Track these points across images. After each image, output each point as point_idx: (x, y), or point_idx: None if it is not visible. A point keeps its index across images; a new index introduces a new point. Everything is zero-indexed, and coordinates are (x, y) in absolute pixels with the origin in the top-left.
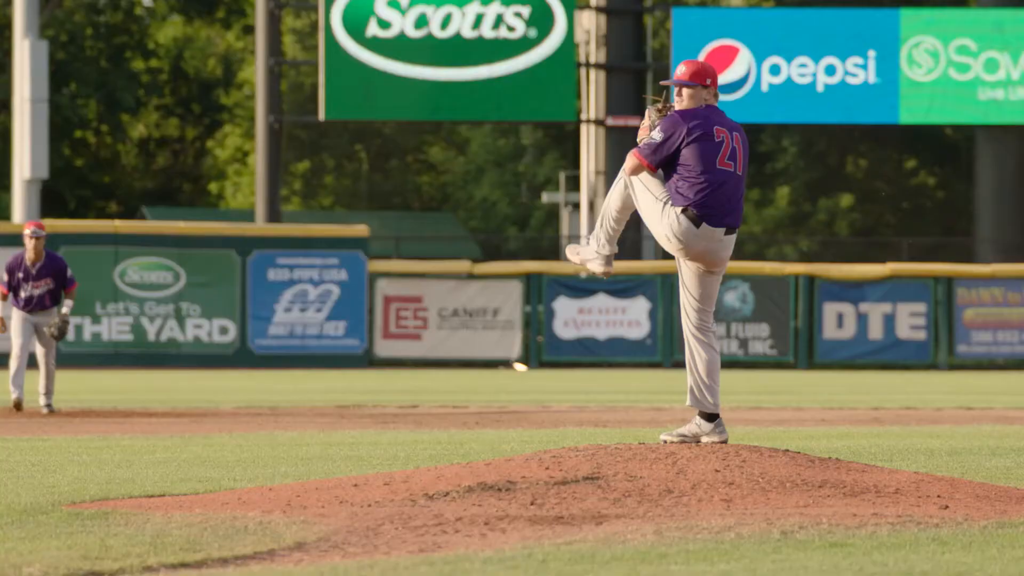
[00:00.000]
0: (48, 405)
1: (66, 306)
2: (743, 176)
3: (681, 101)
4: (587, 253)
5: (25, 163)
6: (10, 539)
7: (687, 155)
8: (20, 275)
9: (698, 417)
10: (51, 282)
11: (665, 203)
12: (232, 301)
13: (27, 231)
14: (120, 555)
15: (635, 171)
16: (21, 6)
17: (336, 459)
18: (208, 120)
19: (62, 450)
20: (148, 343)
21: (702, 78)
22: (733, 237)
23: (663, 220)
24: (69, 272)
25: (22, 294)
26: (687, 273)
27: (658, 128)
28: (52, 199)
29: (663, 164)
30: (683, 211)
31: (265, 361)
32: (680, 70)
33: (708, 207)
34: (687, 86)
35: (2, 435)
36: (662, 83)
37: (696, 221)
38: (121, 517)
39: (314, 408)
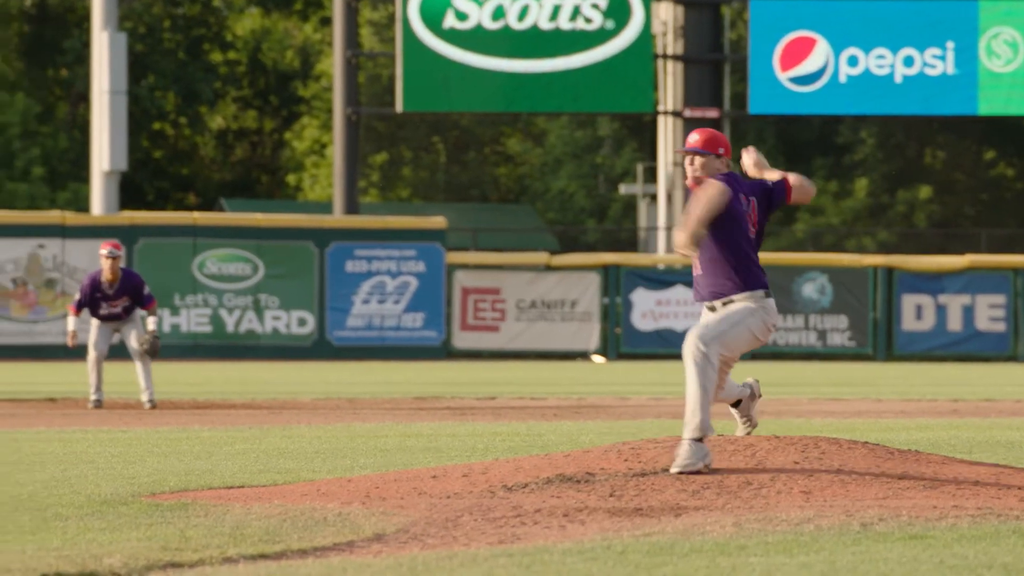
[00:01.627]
0: (150, 400)
1: (152, 323)
2: (756, 237)
3: (694, 169)
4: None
5: (104, 155)
6: (91, 530)
7: (726, 219)
8: (97, 295)
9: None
10: (128, 300)
11: (750, 314)
12: (310, 293)
13: (103, 251)
14: (200, 546)
15: (697, 236)
16: None
17: (414, 450)
18: (286, 112)
19: (142, 442)
20: (227, 335)
21: (714, 147)
22: None
23: (761, 321)
24: (146, 290)
25: (101, 312)
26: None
27: (703, 190)
28: (131, 191)
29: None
30: (766, 295)
31: (343, 353)
32: (692, 138)
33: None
34: (700, 154)
35: (83, 427)
36: (677, 151)
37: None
38: (200, 508)
39: (392, 400)
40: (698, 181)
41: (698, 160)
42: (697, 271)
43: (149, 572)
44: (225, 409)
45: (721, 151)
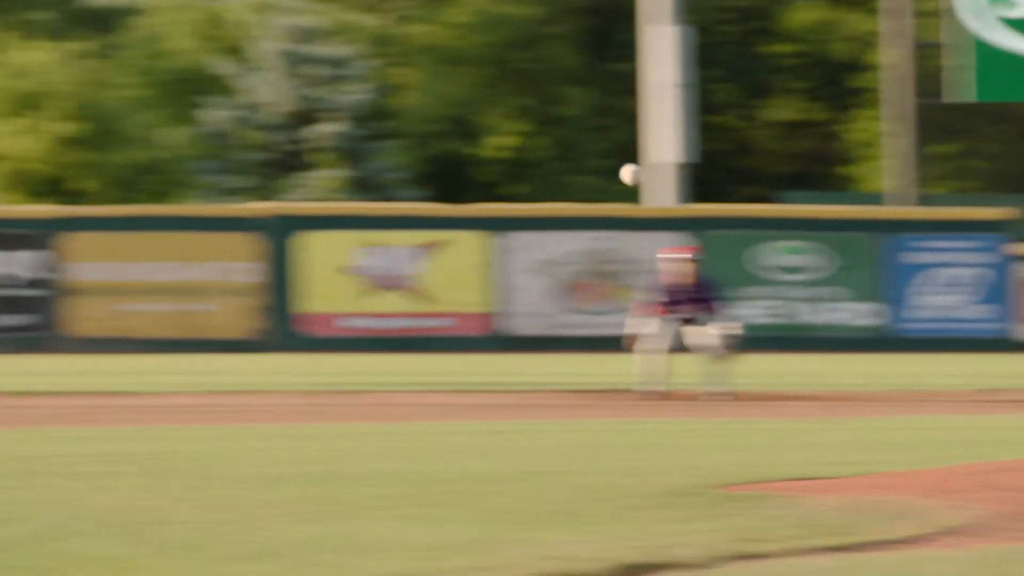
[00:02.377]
0: (721, 393)
1: (730, 328)
2: None
3: None
4: None
5: (670, 147)
6: (662, 520)
7: None
8: (669, 298)
9: None
10: (699, 307)
11: None
12: (873, 284)
13: (684, 255)
14: (773, 538)
15: None
16: None
17: (980, 444)
18: (842, 103)
19: (707, 433)
20: (790, 326)
21: None
22: None
23: None
24: (719, 293)
25: (670, 315)
26: None
27: None
28: (692, 183)
29: None
30: None
31: (908, 344)
32: None
33: None
34: None
35: (646, 417)
36: None
37: None
38: (770, 500)
39: (956, 392)
40: None
41: None
42: None
43: (724, 563)
44: (791, 401)
45: None
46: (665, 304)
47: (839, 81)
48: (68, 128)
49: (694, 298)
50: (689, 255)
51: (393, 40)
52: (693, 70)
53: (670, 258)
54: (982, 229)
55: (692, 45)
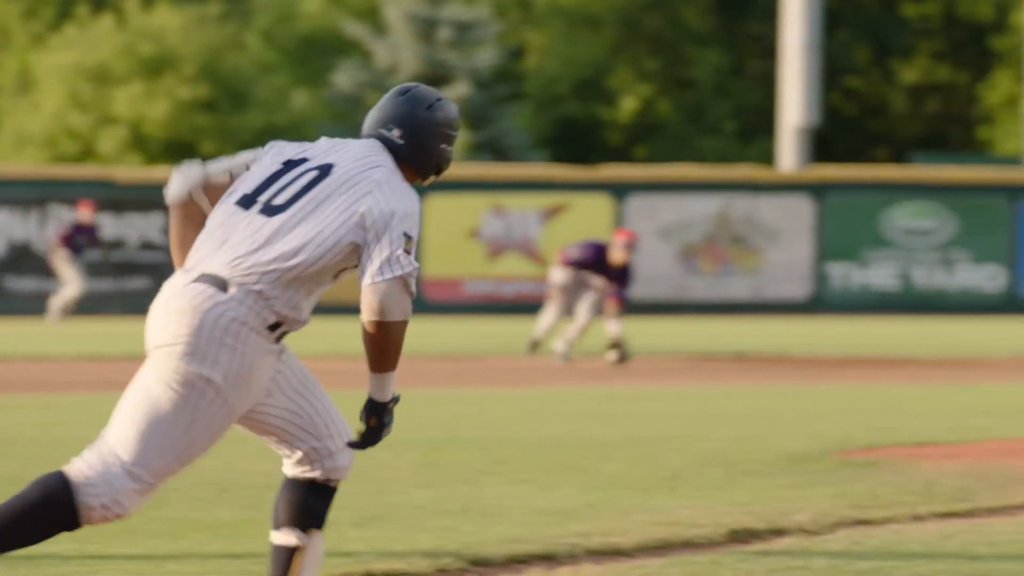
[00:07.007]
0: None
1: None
2: None
3: None
4: None
5: (793, 110)
6: (779, 487)
7: None
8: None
9: None
10: (611, 288)
11: None
12: (1001, 248)
13: (628, 240)
14: (889, 504)
15: None
16: None
17: None
18: (979, 65)
19: (828, 397)
20: (915, 291)
21: None
22: None
23: None
24: (629, 285)
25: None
26: None
27: None
28: (819, 146)
29: None
30: None
31: None
32: None
33: None
34: None
35: (769, 382)
36: None
37: None
38: (889, 466)
39: None
40: None
41: None
42: None
43: (837, 529)
44: (915, 365)
45: None
46: (585, 267)
47: (980, 43)
48: (193, 91)
49: (613, 278)
50: (632, 241)
51: (522, 2)
52: (821, 31)
53: (621, 241)
54: None
55: (820, 5)
